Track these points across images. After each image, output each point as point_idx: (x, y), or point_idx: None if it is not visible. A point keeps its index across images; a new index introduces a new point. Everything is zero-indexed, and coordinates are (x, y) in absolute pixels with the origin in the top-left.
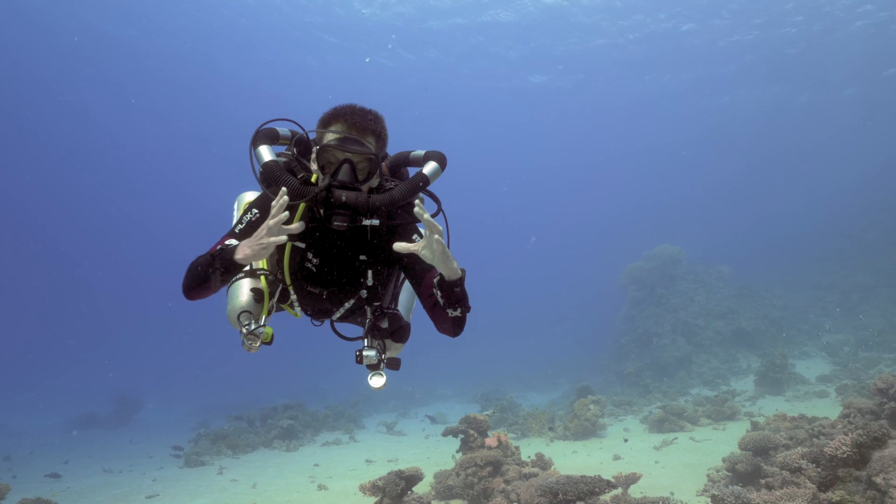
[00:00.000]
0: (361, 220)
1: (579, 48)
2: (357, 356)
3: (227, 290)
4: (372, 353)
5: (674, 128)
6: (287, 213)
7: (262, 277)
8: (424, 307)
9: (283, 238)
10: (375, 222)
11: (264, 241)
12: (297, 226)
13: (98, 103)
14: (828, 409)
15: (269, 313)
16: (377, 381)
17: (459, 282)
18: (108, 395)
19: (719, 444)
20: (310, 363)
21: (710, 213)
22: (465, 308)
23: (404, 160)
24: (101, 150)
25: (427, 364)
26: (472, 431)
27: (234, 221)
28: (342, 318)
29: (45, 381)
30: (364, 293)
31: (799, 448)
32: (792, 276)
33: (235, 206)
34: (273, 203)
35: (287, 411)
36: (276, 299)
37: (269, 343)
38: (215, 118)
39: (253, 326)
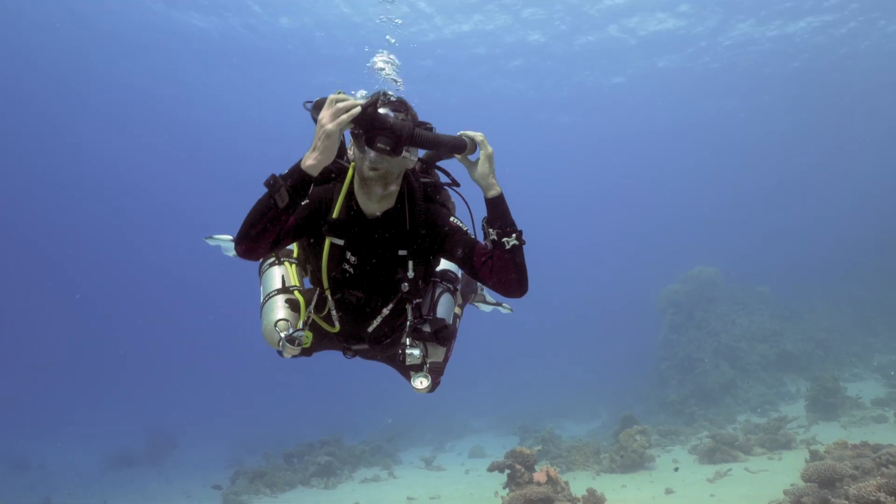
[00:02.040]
0: (402, 151)
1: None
2: (400, 355)
3: (261, 309)
4: (416, 350)
5: (702, 144)
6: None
7: (296, 291)
8: (482, 276)
9: (347, 120)
10: (413, 159)
11: (329, 126)
12: (356, 110)
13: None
14: (889, 435)
15: (306, 323)
16: (421, 382)
17: (502, 197)
18: (141, 428)
19: (777, 474)
20: (342, 398)
21: (743, 229)
22: (518, 231)
23: (432, 155)
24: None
25: (459, 394)
26: (518, 466)
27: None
28: (377, 337)
29: (76, 416)
30: (405, 286)
31: (873, 479)
32: (834, 294)
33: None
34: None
35: (324, 447)
36: (312, 306)
37: (309, 352)
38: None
39: (291, 331)
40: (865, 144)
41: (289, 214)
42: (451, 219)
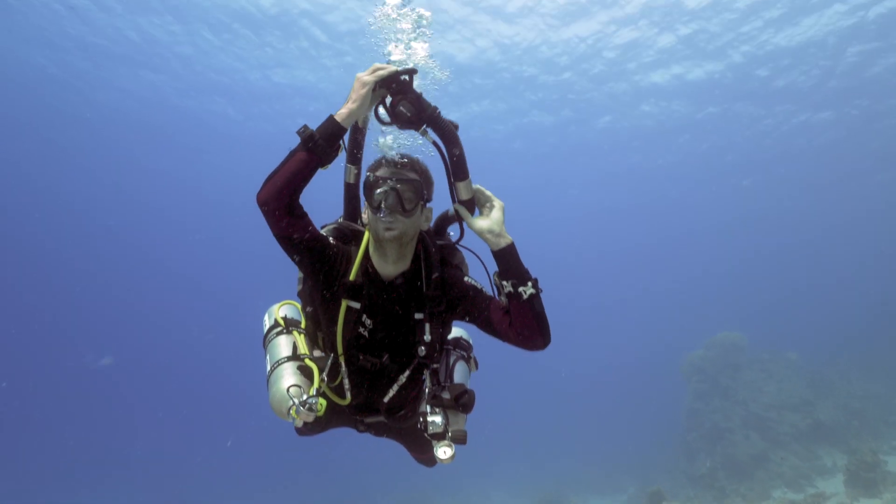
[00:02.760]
0: (421, 125)
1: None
2: (421, 424)
3: (268, 378)
4: (437, 418)
5: (723, 202)
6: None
7: (307, 359)
8: (501, 332)
9: (384, 74)
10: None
11: (365, 77)
12: (393, 69)
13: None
14: None
15: (319, 390)
16: (445, 451)
17: (512, 247)
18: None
19: None
20: (350, 476)
21: (769, 291)
22: (532, 279)
23: (445, 217)
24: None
25: (475, 463)
26: None
27: (266, 328)
28: (392, 407)
29: (96, 480)
30: (422, 350)
31: None
32: (866, 359)
33: (266, 318)
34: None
35: None
36: (325, 373)
37: (319, 428)
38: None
39: (305, 397)
40: None
41: (316, 165)
42: (466, 279)
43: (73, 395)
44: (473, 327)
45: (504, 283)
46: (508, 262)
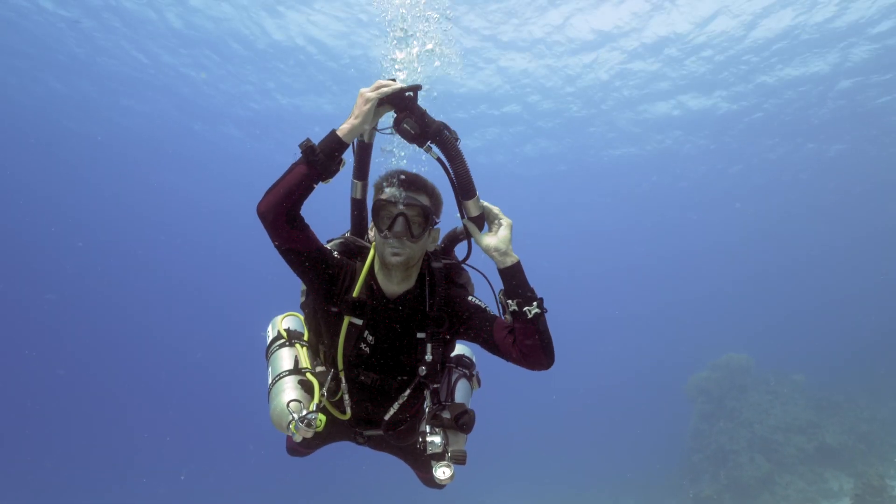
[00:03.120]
0: (425, 142)
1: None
2: (420, 444)
3: (269, 391)
4: (437, 438)
5: (729, 219)
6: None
7: (308, 374)
8: (505, 351)
9: (387, 92)
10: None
11: (369, 94)
12: (397, 86)
13: None
14: None
15: (319, 405)
16: (444, 472)
17: (518, 266)
18: None
19: None
20: (361, 490)
21: (775, 311)
22: (538, 299)
23: (453, 237)
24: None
25: (481, 482)
26: None
27: (269, 340)
28: (392, 424)
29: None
30: (423, 370)
31: None
32: (873, 382)
33: (269, 329)
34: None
35: None
36: (325, 388)
37: (319, 442)
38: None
39: (304, 412)
40: None
41: (316, 179)
42: (470, 298)
43: (75, 402)
44: (478, 346)
45: (509, 301)
46: (514, 280)
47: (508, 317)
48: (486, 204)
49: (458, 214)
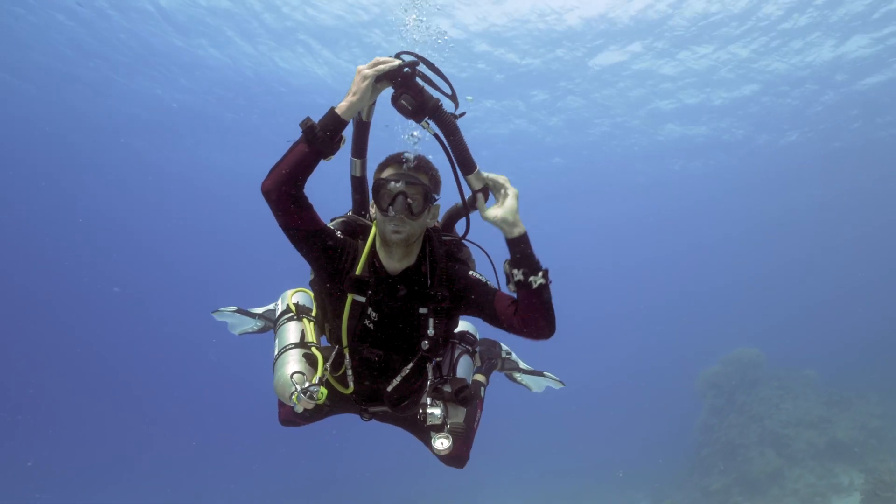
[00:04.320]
0: (422, 117)
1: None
2: (420, 415)
3: (274, 362)
4: (437, 410)
5: (740, 212)
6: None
7: (314, 347)
8: (506, 322)
9: (384, 69)
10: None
11: (366, 70)
12: (394, 64)
13: None
14: None
15: (321, 379)
16: (442, 443)
17: (525, 237)
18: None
19: None
20: (370, 482)
21: (785, 304)
22: (543, 269)
23: (454, 213)
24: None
25: (489, 474)
26: None
27: (278, 313)
28: (396, 398)
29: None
30: (425, 344)
31: None
32: (885, 377)
33: (278, 302)
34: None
35: None
36: (329, 363)
37: (322, 413)
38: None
39: (307, 384)
40: None
41: (317, 157)
42: (471, 273)
43: (82, 396)
44: (480, 322)
45: (515, 271)
46: (521, 251)
47: (512, 287)
48: (489, 175)
49: (460, 193)
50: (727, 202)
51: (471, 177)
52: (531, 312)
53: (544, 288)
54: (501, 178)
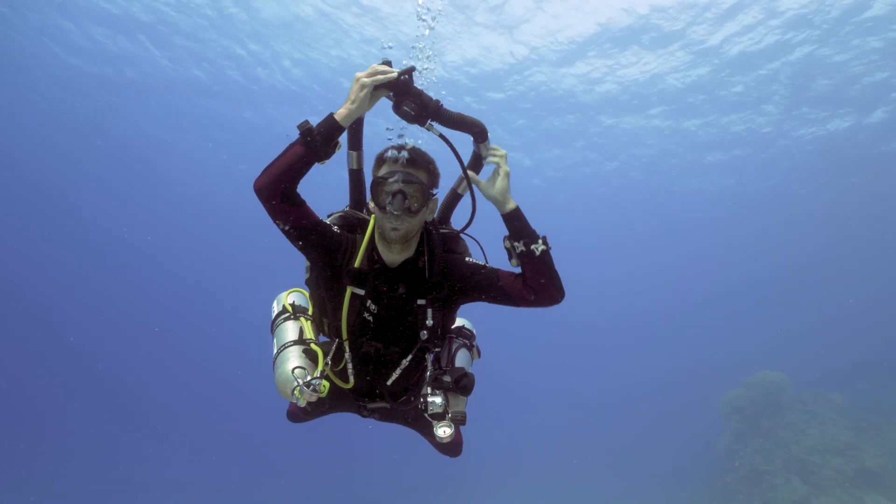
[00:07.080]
0: (426, 121)
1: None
2: (421, 405)
3: (274, 360)
4: (438, 399)
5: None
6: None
7: (312, 344)
8: (515, 295)
9: (382, 79)
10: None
11: (364, 79)
12: (392, 74)
13: None
14: None
15: (323, 373)
16: (444, 431)
17: (518, 211)
18: None
19: None
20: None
21: (807, 328)
22: (542, 237)
23: (449, 203)
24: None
25: (494, 493)
26: None
27: (274, 314)
28: (395, 391)
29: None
30: (424, 334)
31: None
32: None
33: (274, 305)
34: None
35: None
36: (330, 357)
37: (322, 410)
38: None
39: (308, 378)
40: None
41: (311, 160)
42: (468, 259)
43: (85, 397)
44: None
45: (516, 244)
46: (517, 223)
47: (515, 261)
48: (491, 148)
49: (460, 188)
50: (753, 217)
51: (481, 145)
52: (539, 279)
53: (546, 254)
54: (499, 155)
